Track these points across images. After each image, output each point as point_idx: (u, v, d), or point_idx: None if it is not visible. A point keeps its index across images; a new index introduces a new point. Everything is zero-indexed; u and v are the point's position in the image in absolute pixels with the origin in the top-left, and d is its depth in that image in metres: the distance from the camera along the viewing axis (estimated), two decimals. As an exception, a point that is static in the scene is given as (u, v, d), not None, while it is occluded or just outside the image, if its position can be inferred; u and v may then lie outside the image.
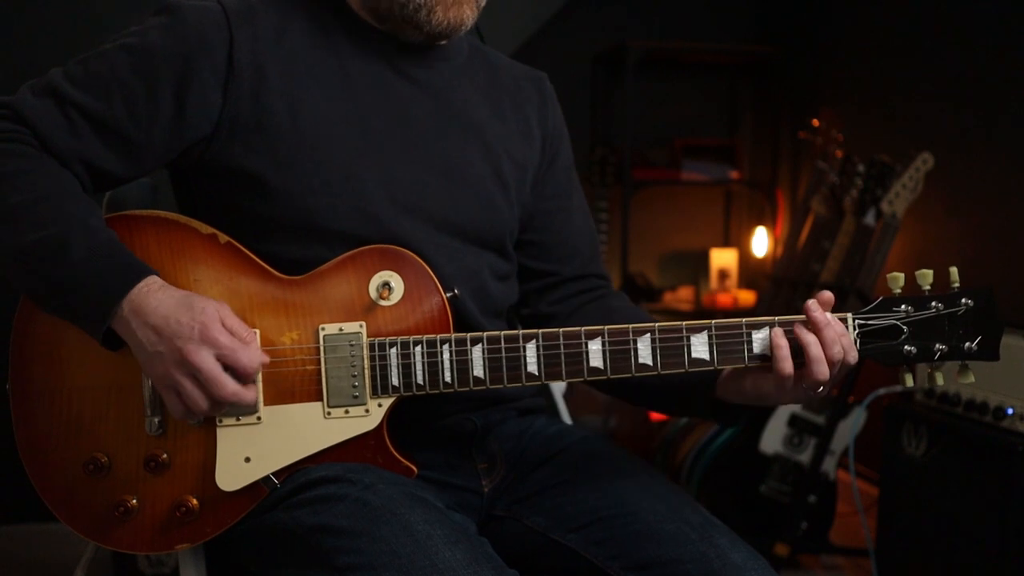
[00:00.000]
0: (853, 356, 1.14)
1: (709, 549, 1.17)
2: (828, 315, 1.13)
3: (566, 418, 1.63)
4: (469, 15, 1.26)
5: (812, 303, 1.13)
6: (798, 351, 1.13)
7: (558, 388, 1.72)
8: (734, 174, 3.74)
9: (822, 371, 1.11)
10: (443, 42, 1.33)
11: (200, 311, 1.08)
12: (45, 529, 2.61)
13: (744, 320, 1.15)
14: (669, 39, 3.79)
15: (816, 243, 2.91)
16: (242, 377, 1.10)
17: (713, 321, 1.16)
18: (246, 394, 1.11)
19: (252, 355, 1.10)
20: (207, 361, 1.07)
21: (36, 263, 1.09)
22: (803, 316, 1.14)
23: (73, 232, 1.09)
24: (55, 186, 1.13)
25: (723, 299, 3.67)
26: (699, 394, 1.24)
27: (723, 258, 3.84)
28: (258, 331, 1.16)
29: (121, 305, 1.08)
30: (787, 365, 1.12)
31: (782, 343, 1.12)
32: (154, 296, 1.09)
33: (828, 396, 2.70)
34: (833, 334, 1.12)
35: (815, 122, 3.21)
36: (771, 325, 1.15)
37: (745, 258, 3.88)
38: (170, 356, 1.07)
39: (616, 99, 3.77)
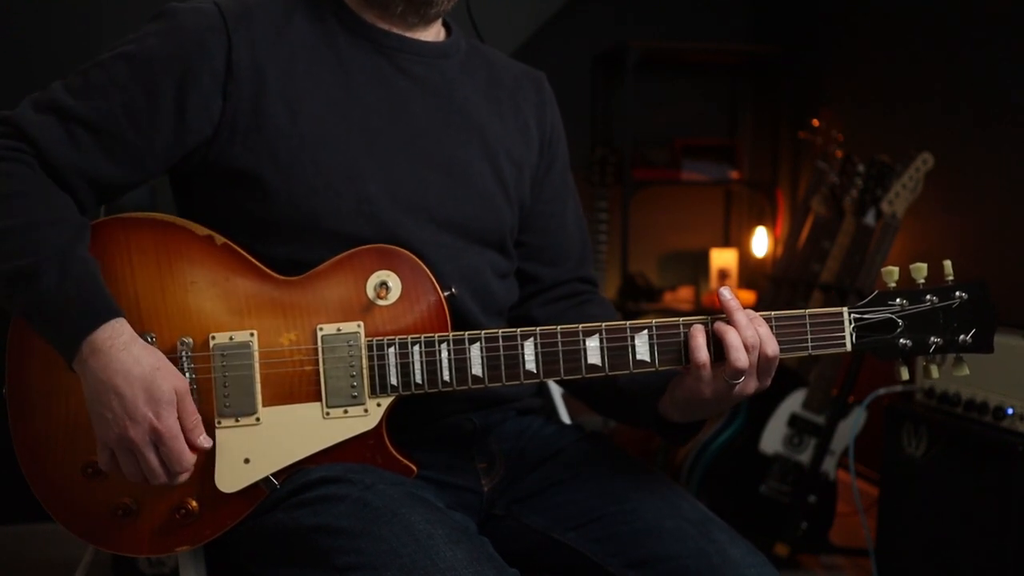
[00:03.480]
0: (773, 347, 1.13)
1: (708, 545, 1.17)
2: (749, 311, 1.14)
3: (565, 418, 1.63)
4: None
5: (725, 289, 1.15)
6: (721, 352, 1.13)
7: (556, 388, 1.72)
8: (734, 174, 3.74)
9: (739, 358, 1.11)
10: (442, 37, 1.33)
11: (158, 393, 1.08)
12: (45, 529, 2.60)
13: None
14: (669, 39, 3.79)
15: (816, 243, 2.91)
16: (171, 474, 1.11)
17: (710, 316, 1.16)
18: (177, 480, 1.12)
19: (188, 457, 1.11)
20: (149, 453, 1.09)
21: (8, 288, 1.09)
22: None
23: (47, 263, 1.08)
24: (45, 213, 1.11)
25: (723, 299, 3.66)
26: (646, 408, 1.25)
27: (723, 258, 3.84)
28: (256, 332, 1.16)
29: (81, 347, 1.08)
30: (701, 354, 1.12)
31: (697, 334, 1.13)
32: (119, 354, 1.08)
33: (828, 396, 2.71)
34: (745, 318, 1.12)
35: (815, 122, 3.20)
36: (767, 319, 1.15)
37: (745, 258, 3.88)
38: (115, 428, 1.08)
39: (616, 99, 3.77)
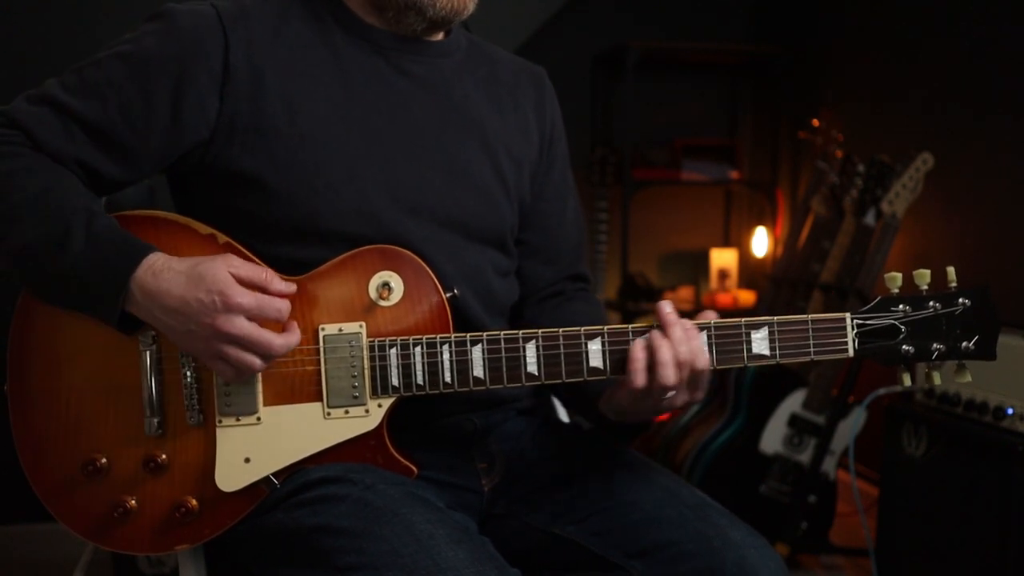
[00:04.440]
0: (704, 361, 1.13)
1: (708, 528, 1.17)
2: (684, 320, 1.14)
3: (564, 417, 1.63)
4: (471, 1, 1.27)
5: (664, 302, 1.15)
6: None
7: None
8: (734, 174, 3.74)
9: (667, 375, 1.11)
10: (440, 36, 1.33)
11: (212, 280, 1.08)
12: (45, 529, 2.60)
13: (744, 320, 1.16)
14: (669, 39, 3.78)
15: (816, 243, 2.91)
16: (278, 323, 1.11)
17: (712, 321, 1.16)
18: (292, 337, 1.12)
19: (279, 303, 1.10)
20: (243, 327, 1.08)
21: (42, 258, 1.10)
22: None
23: (72, 223, 1.09)
24: (54, 179, 1.13)
25: (723, 299, 3.66)
26: (590, 408, 1.27)
27: (723, 258, 3.84)
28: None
29: (130, 289, 1.09)
30: (639, 379, 1.13)
31: (639, 356, 1.13)
32: (163, 278, 1.09)
33: (828, 396, 2.71)
34: (681, 333, 1.13)
35: (815, 122, 3.20)
36: (769, 325, 1.15)
37: (745, 258, 3.88)
38: (203, 332, 1.08)
39: (616, 99, 3.76)
